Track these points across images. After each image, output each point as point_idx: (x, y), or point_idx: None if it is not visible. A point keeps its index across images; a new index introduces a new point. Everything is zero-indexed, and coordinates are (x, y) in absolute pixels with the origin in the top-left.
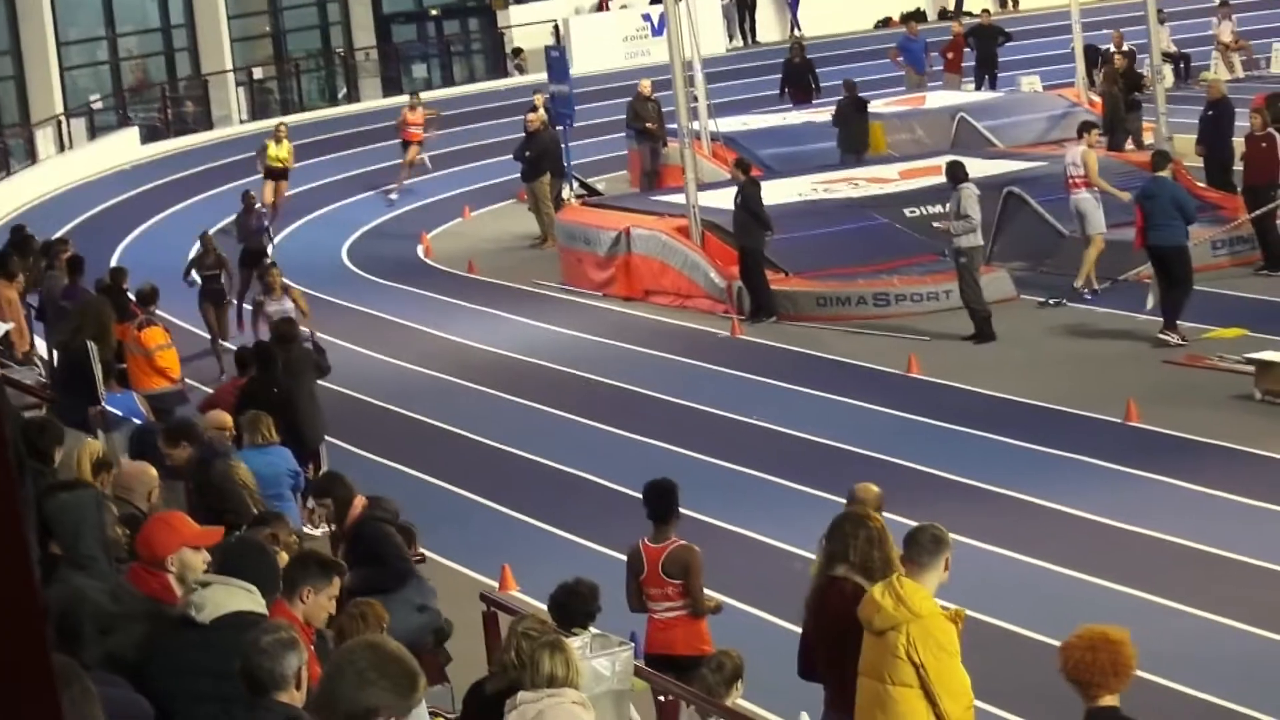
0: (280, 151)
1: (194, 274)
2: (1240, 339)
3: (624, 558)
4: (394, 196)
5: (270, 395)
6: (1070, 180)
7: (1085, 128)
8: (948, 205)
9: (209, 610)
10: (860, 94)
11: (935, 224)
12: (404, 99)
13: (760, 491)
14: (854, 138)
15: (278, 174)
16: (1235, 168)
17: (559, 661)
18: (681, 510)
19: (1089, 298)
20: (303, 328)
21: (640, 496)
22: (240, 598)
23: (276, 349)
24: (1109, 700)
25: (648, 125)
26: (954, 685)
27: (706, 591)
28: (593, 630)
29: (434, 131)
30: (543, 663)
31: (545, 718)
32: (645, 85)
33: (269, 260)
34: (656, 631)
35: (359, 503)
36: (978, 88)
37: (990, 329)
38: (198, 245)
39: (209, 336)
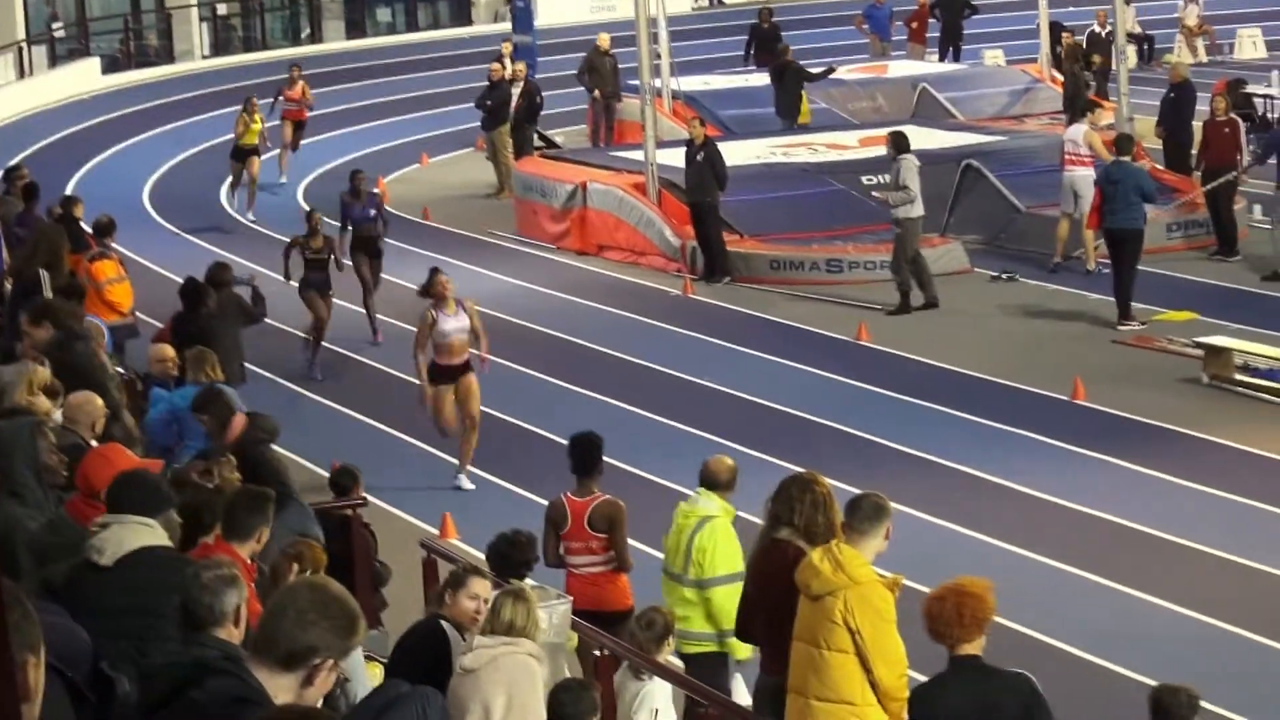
0: (254, 128)
1: (294, 255)
2: (1191, 322)
3: None
4: (284, 180)
5: (189, 334)
6: (1067, 157)
7: (1089, 107)
8: (888, 175)
9: (110, 552)
10: (787, 61)
11: (875, 194)
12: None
13: (704, 451)
14: (780, 104)
15: (250, 152)
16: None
17: (519, 611)
18: (625, 468)
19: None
20: (474, 350)
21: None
22: (140, 534)
23: (205, 289)
24: (969, 649)
25: (594, 94)
26: (889, 653)
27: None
28: (530, 582)
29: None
30: (503, 610)
31: (499, 664)
32: (603, 40)
33: (434, 268)
34: (581, 586)
35: (239, 421)
36: (941, 59)
37: (908, 304)
38: (304, 225)
39: (310, 328)
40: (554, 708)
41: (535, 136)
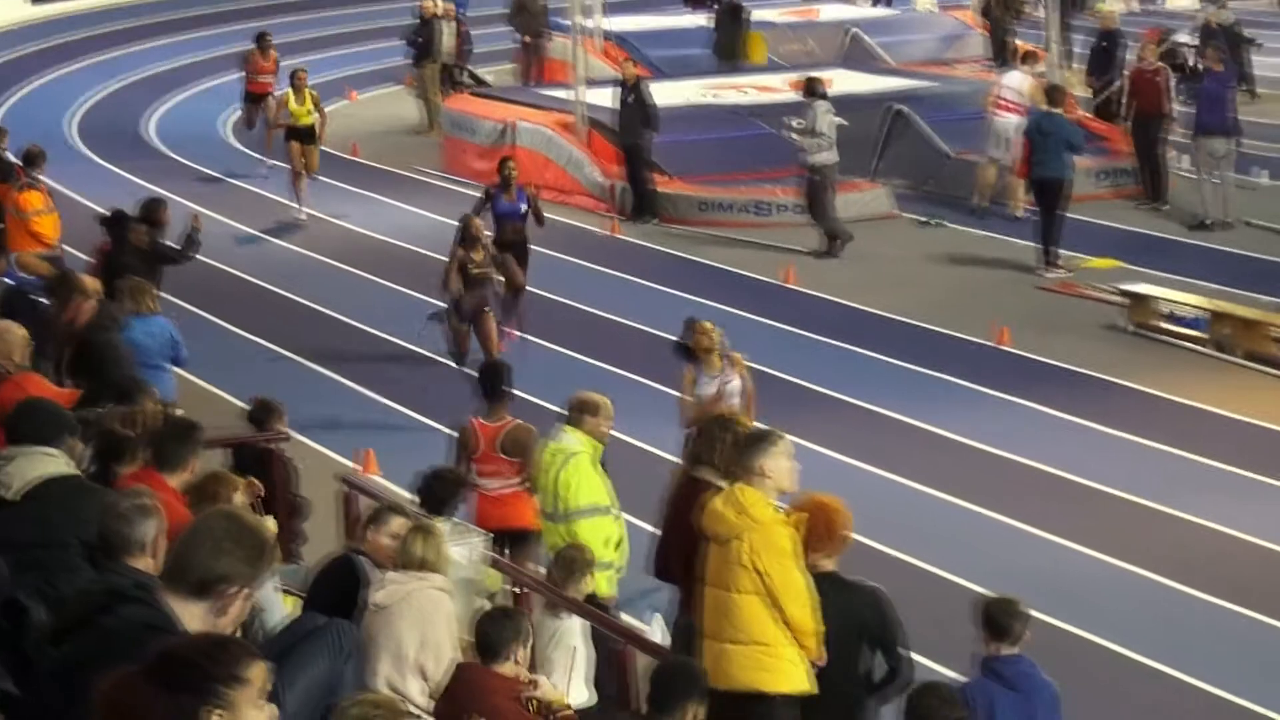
0: (304, 105)
1: (456, 277)
2: (1115, 270)
3: None
4: (265, 173)
5: (120, 267)
6: (1000, 103)
7: (1028, 57)
8: (802, 120)
9: (17, 484)
10: (739, 2)
11: (790, 134)
12: None
13: (626, 391)
14: (726, 46)
15: (303, 134)
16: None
17: (430, 546)
18: (547, 406)
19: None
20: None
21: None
22: (45, 463)
23: (128, 218)
24: (827, 565)
25: (525, 39)
26: (796, 590)
27: None
28: (453, 520)
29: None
30: (413, 546)
31: (411, 600)
32: None
33: (692, 321)
34: (491, 506)
35: (86, 306)
36: (873, 3)
37: (835, 246)
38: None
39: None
40: (478, 637)
41: (465, 74)
